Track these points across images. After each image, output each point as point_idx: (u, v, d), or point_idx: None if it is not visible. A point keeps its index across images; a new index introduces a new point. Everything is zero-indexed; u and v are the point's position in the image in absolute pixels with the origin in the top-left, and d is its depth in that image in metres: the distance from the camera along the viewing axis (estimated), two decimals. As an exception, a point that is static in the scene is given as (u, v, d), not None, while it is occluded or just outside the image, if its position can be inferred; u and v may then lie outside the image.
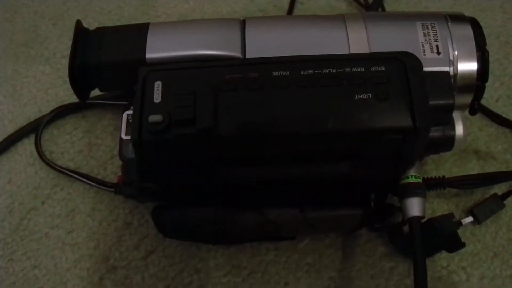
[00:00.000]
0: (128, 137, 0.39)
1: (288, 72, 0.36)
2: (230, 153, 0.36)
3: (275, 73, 0.36)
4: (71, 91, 0.55)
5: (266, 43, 0.39)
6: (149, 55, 0.39)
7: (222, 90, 0.35)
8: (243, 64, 0.38)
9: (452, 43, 0.39)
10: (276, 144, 0.36)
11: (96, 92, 0.44)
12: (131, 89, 0.38)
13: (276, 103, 0.35)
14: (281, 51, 0.38)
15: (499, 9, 0.58)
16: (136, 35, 0.40)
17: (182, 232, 0.42)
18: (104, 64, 0.39)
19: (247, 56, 0.39)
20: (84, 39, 0.40)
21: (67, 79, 0.56)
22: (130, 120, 0.40)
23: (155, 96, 0.35)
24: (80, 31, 0.40)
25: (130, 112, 0.39)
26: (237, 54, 0.38)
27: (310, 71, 0.36)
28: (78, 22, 0.41)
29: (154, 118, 0.34)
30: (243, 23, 0.40)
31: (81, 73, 0.40)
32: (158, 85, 0.36)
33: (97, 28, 0.41)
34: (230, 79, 0.36)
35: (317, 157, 0.37)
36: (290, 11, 0.58)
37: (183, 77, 0.36)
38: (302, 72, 0.36)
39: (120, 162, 0.50)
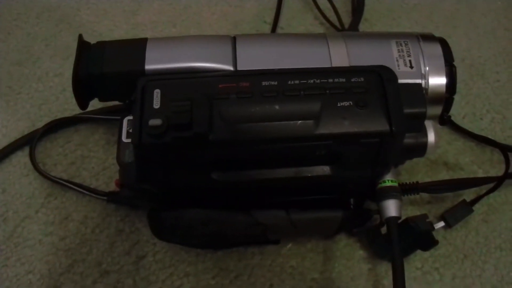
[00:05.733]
0: (128, 141, 0.41)
1: (276, 82, 0.39)
2: (222, 156, 0.39)
3: (264, 83, 0.39)
4: (63, 107, 0.58)
5: (255, 57, 0.42)
6: (148, 66, 0.41)
7: (216, 98, 0.38)
8: (235, 75, 0.41)
9: (423, 59, 0.42)
10: (265, 147, 0.38)
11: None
12: (129, 99, 0.41)
13: (265, 110, 0.38)
14: (269, 64, 0.41)
15: (463, 36, 0.63)
16: (135, 48, 0.42)
17: (175, 234, 0.44)
18: (106, 75, 0.42)
19: (238, 68, 0.42)
20: (86, 52, 0.43)
21: (59, 95, 0.59)
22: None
23: (154, 103, 0.38)
24: (82, 44, 0.43)
25: (130, 117, 0.42)
26: (229, 67, 0.42)
27: (297, 81, 0.39)
28: (80, 36, 0.44)
29: (154, 122, 0.36)
30: (234, 39, 0.44)
31: (83, 83, 0.42)
32: (157, 93, 0.38)
33: (98, 42, 0.44)
34: (223, 87, 0.38)
35: (304, 160, 0.40)
36: (272, 34, 0.60)
37: (180, 86, 0.39)
38: (289, 82, 0.39)
39: (113, 171, 0.53)
